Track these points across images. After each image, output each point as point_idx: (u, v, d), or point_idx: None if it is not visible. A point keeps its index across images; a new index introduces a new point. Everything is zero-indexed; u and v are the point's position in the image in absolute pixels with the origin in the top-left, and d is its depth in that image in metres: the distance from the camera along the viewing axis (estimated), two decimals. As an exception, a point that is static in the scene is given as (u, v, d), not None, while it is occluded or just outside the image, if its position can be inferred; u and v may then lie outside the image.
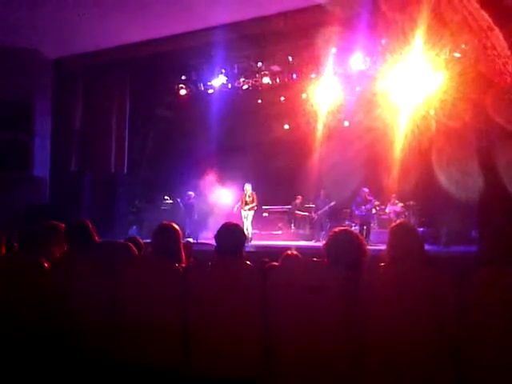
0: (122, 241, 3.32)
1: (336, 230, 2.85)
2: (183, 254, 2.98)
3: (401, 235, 2.66)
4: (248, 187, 11.59)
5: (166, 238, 2.95)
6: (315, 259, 2.77)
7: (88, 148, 12.07)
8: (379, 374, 2.40)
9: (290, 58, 11.97)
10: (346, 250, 2.67)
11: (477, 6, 7.79)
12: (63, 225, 3.40)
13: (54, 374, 2.86)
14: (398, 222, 2.93)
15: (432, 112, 10.55)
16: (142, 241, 3.73)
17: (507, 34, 7.82)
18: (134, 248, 3.15)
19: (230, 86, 12.96)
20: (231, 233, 2.94)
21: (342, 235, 2.77)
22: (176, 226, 3.01)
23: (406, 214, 11.97)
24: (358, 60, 11.41)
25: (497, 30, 7.76)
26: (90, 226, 3.22)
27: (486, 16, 7.78)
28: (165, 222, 3.06)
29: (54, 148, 11.40)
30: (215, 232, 2.93)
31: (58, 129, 11.45)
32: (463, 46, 9.37)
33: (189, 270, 2.90)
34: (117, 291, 2.92)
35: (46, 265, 3.13)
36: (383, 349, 2.40)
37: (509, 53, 7.83)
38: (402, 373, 2.36)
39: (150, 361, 2.74)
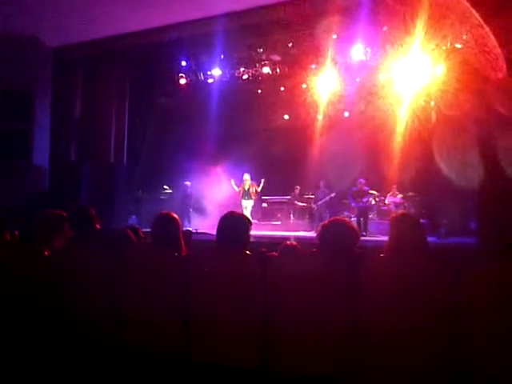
0: (120, 228, 3.32)
1: (328, 220, 2.89)
2: (183, 243, 2.99)
3: (401, 226, 2.67)
4: (247, 177, 11.64)
5: (166, 227, 2.96)
6: (314, 250, 2.79)
7: (87, 137, 12.04)
8: (378, 363, 2.42)
9: (291, 48, 11.90)
10: (337, 240, 2.69)
11: (466, 4, 7.86)
12: (64, 213, 3.40)
13: (56, 362, 2.88)
14: (400, 212, 2.94)
15: (432, 103, 10.54)
16: (141, 230, 3.73)
17: (497, 29, 7.87)
18: (131, 235, 3.15)
19: (229, 75, 12.92)
20: (232, 222, 2.94)
21: (334, 225, 2.79)
22: (175, 215, 3.01)
23: (406, 205, 11.98)
24: (358, 50, 11.36)
25: (486, 27, 7.82)
26: (93, 213, 3.23)
27: (476, 14, 7.85)
28: (164, 211, 3.07)
29: (53, 137, 11.37)
30: (214, 222, 2.94)
31: (57, 118, 11.40)
32: (464, 36, 9.33)
33: (189, 258, 2.91)
34: (117, 279, 2.93)
35: (46, 253, 3.14)
36: (382, 338, 2.41)
37: (499, 50, 7.87)
38: (400, 363, 2.37)
39: (151, 348, 2.76)
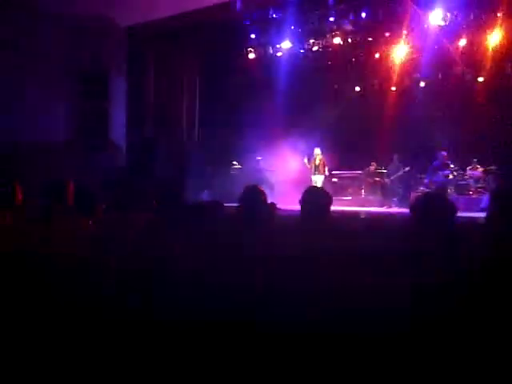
0: (208, 202, 3.34)
1: (425, 192, 2.77)
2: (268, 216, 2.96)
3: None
4: (318, 151, 11.48)
5: (254, 200, 2.94)
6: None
7: (161, 115, 12.31)
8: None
9: (364, 16, 11.41)
10: (434, 213, 2.56)
11: None
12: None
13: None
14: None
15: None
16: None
17: None
18: (222, 208, 3.16)
19: (299, 48, 12.65)
20: (316, 196, 2.89)
21: (434, 197, 2.66)
22: (262, 188, 2.99)
23: (486, 179, 11.33)
24: (437, 15, 10.70)
25: None
26: (178, 188, 3.28)
27: None
28: (251, 184, 3.05)
29: (129, 115, 11.73)
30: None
31: (132, 96, 11.74)
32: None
33: (274, 231, 2.89)
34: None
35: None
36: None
37: None
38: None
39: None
